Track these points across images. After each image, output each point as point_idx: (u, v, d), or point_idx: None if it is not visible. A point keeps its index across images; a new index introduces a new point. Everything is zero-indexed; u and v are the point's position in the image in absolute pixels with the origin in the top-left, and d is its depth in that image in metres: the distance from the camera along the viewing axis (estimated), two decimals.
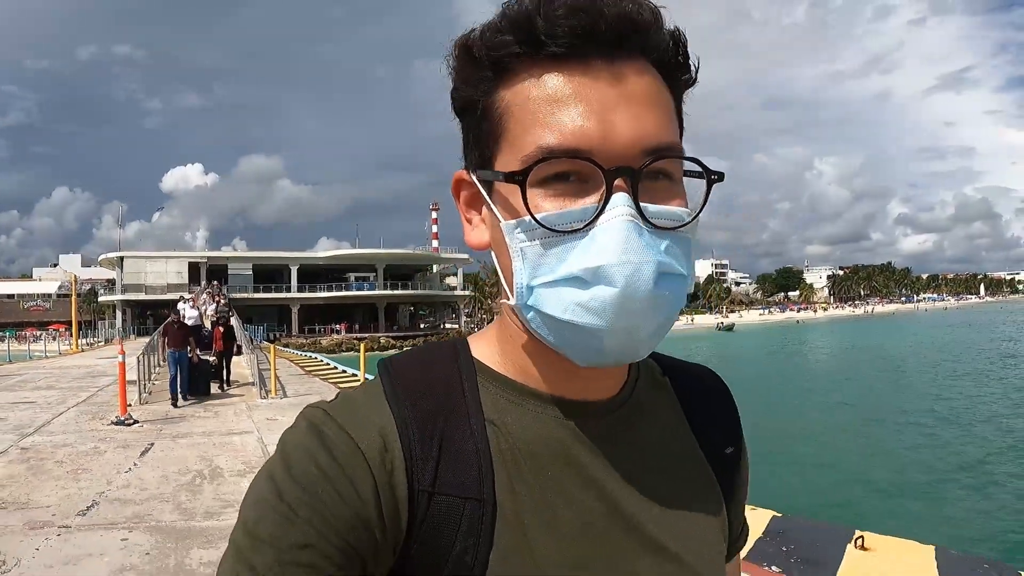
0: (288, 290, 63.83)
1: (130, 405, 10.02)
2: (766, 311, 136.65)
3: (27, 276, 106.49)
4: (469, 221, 0.61)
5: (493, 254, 0.59)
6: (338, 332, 59.48)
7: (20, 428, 9.01)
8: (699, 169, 0.56)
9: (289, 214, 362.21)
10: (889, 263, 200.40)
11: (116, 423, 9.24)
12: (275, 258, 66.01)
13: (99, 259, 68.46)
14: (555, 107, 0.53)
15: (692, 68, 0.58)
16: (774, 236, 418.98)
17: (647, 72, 0.55)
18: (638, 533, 0.59)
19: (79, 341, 35.45)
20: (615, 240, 0.51)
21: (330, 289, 64.43)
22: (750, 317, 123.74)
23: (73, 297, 35.63)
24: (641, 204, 0.52)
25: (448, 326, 71.71)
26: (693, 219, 0.55)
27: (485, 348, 0.64)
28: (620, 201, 0.51)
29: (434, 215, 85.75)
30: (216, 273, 60.14)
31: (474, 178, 0.58)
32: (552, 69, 0.53)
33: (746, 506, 0.77)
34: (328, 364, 21.66)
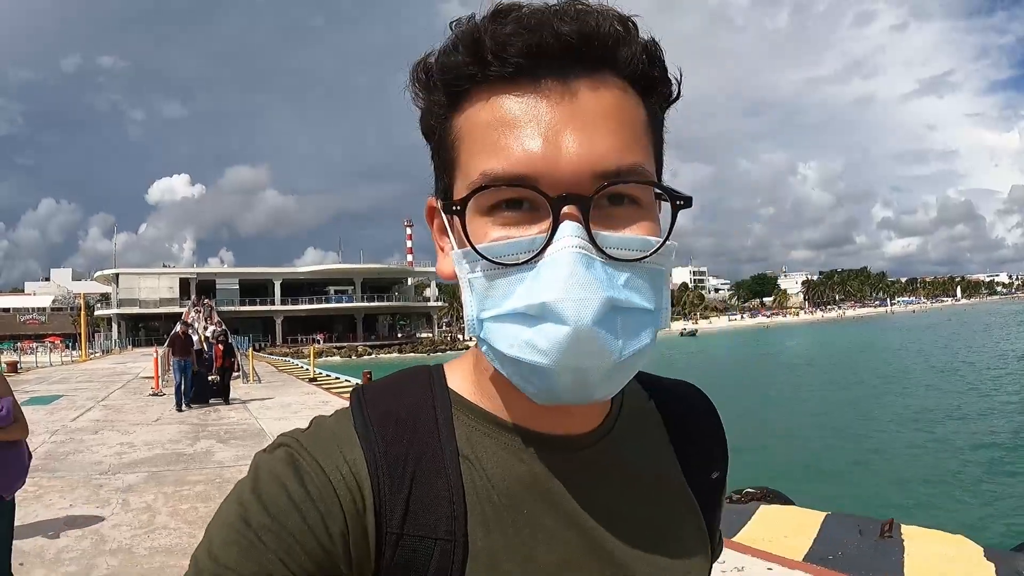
0: (272, 303, 68.69)
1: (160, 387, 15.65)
2: (736, 317, 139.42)
3: (18, 290, 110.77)
4: (442, 249, 0.57)
5: None
6: (318, 342, 64.40)
7: (93, 398, 14.66)
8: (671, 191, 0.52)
9: (275, 224, 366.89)
10: (864, 268, 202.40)
11: (152, 395, 14.93)
12: (260, 273, 70.95)
13: (94, 275, 73.27)
14: (501, 131, 0.49)
15: (673, 81, 0.54)
16: (758, 241, 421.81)
17: (610, 88, 0.51)
18: (617, 569, 0.57)
19: (81, 352, 40.35)
20: (560, 274, 0.47)
21: (311, 302, 69.54)
22: (720, 323, 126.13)
23: (83, 312, 40.82)
24: (596, 233, 0.48)
25: (421, 335, 76.94)
26: (658, 248, 0.51)
27: (460, 378, 0.60)
28: (568, 231, 0.47)
29: (408, 231, 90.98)
30: (205, 288, 65.11)
31: (439, 206, 0.56)
32: (502, 91, 0.50)
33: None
34: (293, 363, 28.97)
